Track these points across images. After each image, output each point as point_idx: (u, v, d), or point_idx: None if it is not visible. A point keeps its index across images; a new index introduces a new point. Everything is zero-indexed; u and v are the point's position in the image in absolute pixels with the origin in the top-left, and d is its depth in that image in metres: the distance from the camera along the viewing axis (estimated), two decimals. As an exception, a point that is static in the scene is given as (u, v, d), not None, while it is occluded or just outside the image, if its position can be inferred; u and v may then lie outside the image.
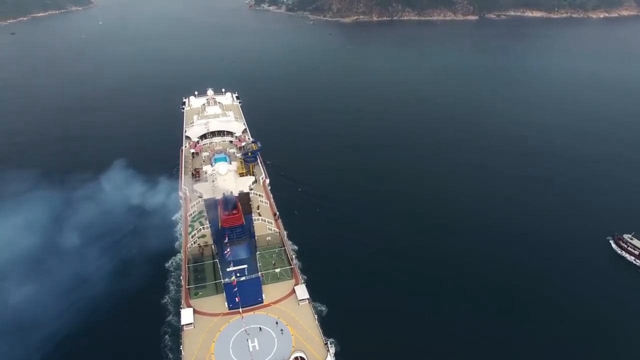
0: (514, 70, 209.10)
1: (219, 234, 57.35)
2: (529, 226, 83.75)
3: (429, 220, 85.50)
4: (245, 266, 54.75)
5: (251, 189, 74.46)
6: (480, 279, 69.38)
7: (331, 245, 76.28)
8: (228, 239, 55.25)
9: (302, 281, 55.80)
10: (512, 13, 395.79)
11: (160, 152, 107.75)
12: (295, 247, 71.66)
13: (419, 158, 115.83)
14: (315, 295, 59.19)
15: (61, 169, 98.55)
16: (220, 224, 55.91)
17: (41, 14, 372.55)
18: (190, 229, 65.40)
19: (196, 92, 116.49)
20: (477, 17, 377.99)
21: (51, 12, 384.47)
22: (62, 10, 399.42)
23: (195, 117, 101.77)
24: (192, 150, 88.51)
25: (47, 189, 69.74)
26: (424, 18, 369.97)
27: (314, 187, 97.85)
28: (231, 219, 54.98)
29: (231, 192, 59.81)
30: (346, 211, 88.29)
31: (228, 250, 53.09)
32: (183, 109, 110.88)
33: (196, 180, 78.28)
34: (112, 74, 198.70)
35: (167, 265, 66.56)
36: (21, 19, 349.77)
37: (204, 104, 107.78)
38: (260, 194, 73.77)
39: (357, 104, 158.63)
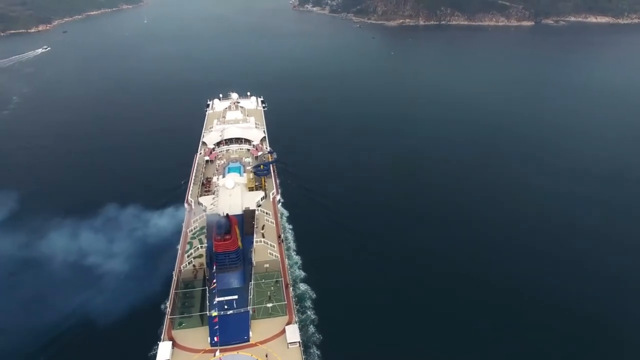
0: (578, 83, 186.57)
1: (212, 257, 52.67)
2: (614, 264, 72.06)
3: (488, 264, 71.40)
4: (236, 297, 49.69)
5: (259, 206, 69.45)
6: (541, 323, 59.56)
7: (354, 296, 62.77)
8: (218, 267, 50.30)
9: (296, 320, 49.66)
10: (573, 19, 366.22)
11: (178, 159, 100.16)
12: (313, 295, 61.38)
13: (472, 181, 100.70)
14: (310, 339, 52.99)
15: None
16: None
17: (94, 13, 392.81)
18: (188, 247, 61.27)
19: (221, 95, 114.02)
20: (532, 23, 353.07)
21: (104, 10, 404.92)
22: (114, 9, 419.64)
23: (215, 121, 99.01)
24: (207, 158, 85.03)
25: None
26: (474, 23, 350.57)
27: (344, 211, 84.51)
28: (223, 244, 50.00)
29: (226, 214, 54.53)
30: (380, 255, 72.40)
31: (214, 281, 48.01)
32: (207, 111, 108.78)
33: (205, 191, 74.53)
34: (145, 73, 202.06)
35: (163, 307, 55.01)
36: (76, 17, 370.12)
37: (225, 108, 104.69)
38: (268, 211, 68.42)
39: (399, 117, 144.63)
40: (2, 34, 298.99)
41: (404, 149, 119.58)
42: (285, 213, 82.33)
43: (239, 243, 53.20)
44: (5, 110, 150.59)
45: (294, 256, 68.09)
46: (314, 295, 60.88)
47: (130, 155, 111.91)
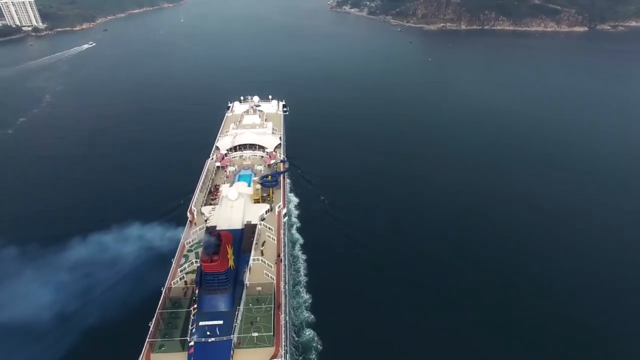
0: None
1: (201, 276, 49.23)
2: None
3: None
4: (221, 322, 45.92)
5: (263, 219, 65.52)
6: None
7: (372, 353, 54.71)
8: (205, 287, 46.79)
9: (282, 354, 45.16)
10: (634, 24, 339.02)
11: (193, 163, 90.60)
12: (319, 345, 53.87)
13: (518, 199, 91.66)
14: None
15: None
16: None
17: (136, 11, 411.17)
18: (183, 260, 58.28)
19: (242, 97, 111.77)
20: (585, 29, 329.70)
21: (146, 9, 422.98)
22: (155, 7, 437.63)
23: (232, 125, 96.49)
24: (218, 164, 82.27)
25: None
26: (520, 28, 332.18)
27: (367, 236, 76.61)
28: (211, 265, 46.36)
29: (217, 233, 50.70)
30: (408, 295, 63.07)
31: (194, 306, 44.51)
32: (226, 113, 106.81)
33: (212, 200, 71.60)
34: (173, 73, 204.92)
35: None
36: (119, 15, 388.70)
37: (244, 112, 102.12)
38: (271, 227, 64.16)
39: (431, 128, 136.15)
40: (50, 32, 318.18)
41: (436, 162, 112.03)
42: (300, 240, 76.88)
43: (231, 262, 49.52)
44: (35, 109, 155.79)
45: (303, 294, 62.13)
46: (321, 346, 53.68)
47: (146, 158, 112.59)
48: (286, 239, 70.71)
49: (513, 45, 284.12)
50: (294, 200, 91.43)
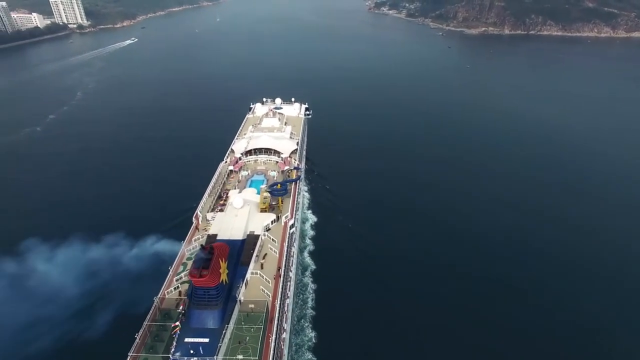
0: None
1: (192, 290, 46.93)
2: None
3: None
4: (207, 340, 43.41)
5: (268, 230, 62.61)
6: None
7: None
8: (194, 302, 44.51)
9: (268, 383, 41.90)
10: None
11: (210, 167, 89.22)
12: None
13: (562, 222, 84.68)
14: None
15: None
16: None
17: (176, 9, 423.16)
18: (181, 268, 56.29)
19: (264, 99, 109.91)
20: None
21: (185, 6, 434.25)
22: (195, 6, 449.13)
23: (250, 127, 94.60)
24: (231, 167, 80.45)
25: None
26: (569, 34, 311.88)
27: (388, 264, 69.51)
28: (200, 280, 43.89)
29: (210, 246, 48.14)
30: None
31: (177, 323, 42.14)
32: (247, 115, 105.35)
33: (220, 206, 69.59)
34: (203, 71, 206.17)
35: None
36: (160, 12, 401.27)
37: (263, 115, 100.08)
38: (275, 238, 61.16)
39: (465, 141, 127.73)
40: (93, 30, 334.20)
41: (469, 181, 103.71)
42: (312, 266, 71.38)
43: (224, 277, 46.90)
44: (65, 106, 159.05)
45: (308, 331, 56.96)
46: None
47: (165, 159, 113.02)
48: (295, 250, 67.53)
49: (562, 52, 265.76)
50: (312, 218, 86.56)
